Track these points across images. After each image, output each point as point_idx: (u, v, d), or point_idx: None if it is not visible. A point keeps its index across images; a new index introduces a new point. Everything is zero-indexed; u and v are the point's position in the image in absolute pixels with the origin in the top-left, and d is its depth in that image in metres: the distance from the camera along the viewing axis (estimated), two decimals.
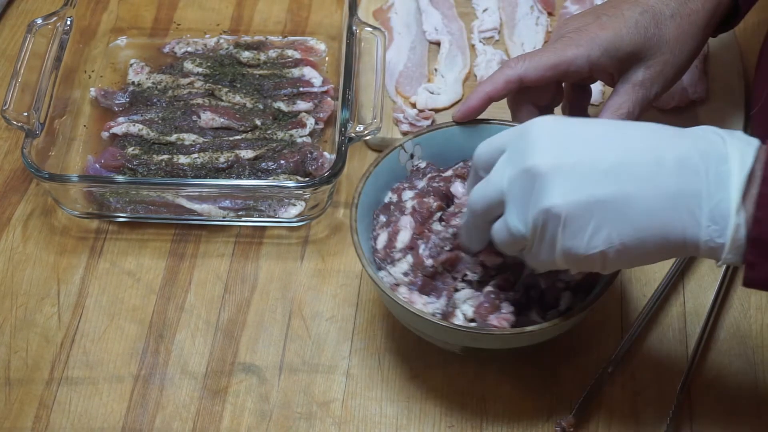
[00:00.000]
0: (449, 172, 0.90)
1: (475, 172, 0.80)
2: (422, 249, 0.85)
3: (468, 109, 0.90)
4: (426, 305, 0.84)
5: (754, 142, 0.71)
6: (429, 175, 0.91)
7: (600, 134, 0.73)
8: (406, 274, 0.86)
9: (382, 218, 0.89)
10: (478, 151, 0.79)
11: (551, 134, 0.73)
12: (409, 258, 0.86)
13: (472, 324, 0.83)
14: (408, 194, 0.90)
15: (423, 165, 0.92)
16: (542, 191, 0.71)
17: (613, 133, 0.73)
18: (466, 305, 0.84)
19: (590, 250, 0.72)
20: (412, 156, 0.92)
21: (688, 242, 0.70)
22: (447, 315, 0.84)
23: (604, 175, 0.71)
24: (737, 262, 0.71)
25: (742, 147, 0.70)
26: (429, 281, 0.85)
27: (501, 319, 0.82)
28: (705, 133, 0.72)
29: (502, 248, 0.78)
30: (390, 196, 0.91)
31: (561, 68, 0.88)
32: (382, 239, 0.88)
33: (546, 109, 0.93)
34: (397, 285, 0.86)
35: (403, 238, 0.87)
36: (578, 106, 0.95)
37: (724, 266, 0.95)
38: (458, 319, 0.84)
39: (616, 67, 0.89)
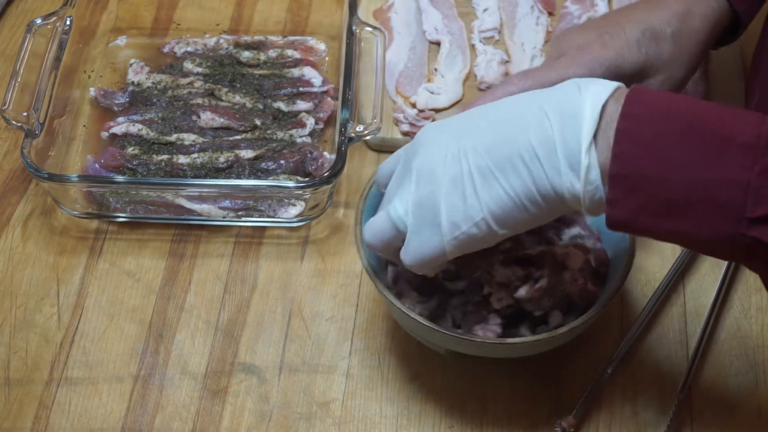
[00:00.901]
0: None
1: (379, 191, 0.83)
2: None
3: None
4: (416, 304, 0.84)
5: (611, 84, 0.71)
6: None
7: (466, 117, 0.76)
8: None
9: None
10: (379, 172, 0.83)
11: (428, 134, 0.76)
12: None
13: (458, 330, 0.83)
14: None
15: None
16: (422, 178, 0.74)
17: (478, 111, 0.76)
18: (457, 311, 0.84)
19: (472, 221, 0.73)
20: None
21: (557, 194, 0.71)
22: (436, 317, 0.84)
23: (470, 148, 0.73)
24: (599, 208, 0.70)
25: (597, 89, 0.70)
26: (426, 281, 0.85)
27: (486, 330, 0.82)
28: (564, 85, 0.73)
29: (375, 247, 0.80)
30: None
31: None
32: None
33: None
34: (398, 278, 0.86)
35: None
36: None
37: (725, 267, 0.95)
38: (447, 322, 0.84)
39: None
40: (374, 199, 0.88)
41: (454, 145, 0.74)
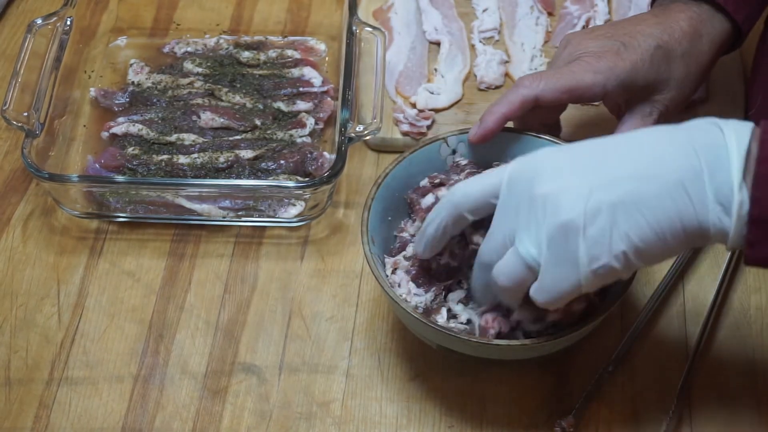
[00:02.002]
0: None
1: (457, 217, 0.80)
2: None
3: (485, 131, 0.90)
4: (412, 296, 0.85)
5: (748, 124, 0.72)
6: (467, 171, 0.90)
7: (596, 149, 0.75)
8: (408, 258, 0.86)
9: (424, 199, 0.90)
10: (465, 196, 0.79)
11: (550, 161, 0.75)
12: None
13: (450, 325, 0.84)
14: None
15: (464, 162, 0.91)
16: (555, 209, 0.72)
17: (608, 144, 0.75)
18: (458, 306, 0.84)
19: (613, 253, 0.72)
20: (454, 152, 0.92)
21: (702, 228, 0.71)
22: (431, 311, 0.84)
23: (610, 181, 0.72)
24: (742, 243, 0.71)
25: (737, 128, 0.71)
26: (424, 273, 0.85)
27: (497, 320, 0.82)
28: (700, 124, 0.73)
29: (509, 289, 0.77)
30: (425, 182, 0.91)
31: (576, 93, 0.89)
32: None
33: (553, 127, 0.94)
34: (396, 268, 0.86)
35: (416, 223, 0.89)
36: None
37: (724, 267, 0.95)
38: (441, 317, 0.84)
39: (625, 99, 0.91)
40: (381, 201, 0.88)
41: (585, 178, 0.73)
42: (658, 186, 0.71)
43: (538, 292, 0.75)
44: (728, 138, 0.71)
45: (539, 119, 0.92)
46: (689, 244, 0.73)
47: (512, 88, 0.89)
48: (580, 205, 0.72)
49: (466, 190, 0.79)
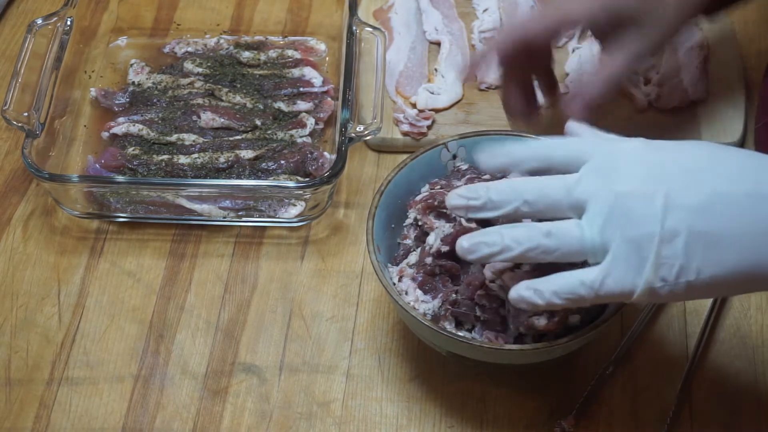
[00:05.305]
0: (487, 177, 0.90)
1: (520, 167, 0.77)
2: (428, 246, 0.86)
3: (475, 65, 0.90)
4: (419, 303, 0.85)
5: None
6: (468, 177, 0.89)
7: (693, 160, 0.72)
8: (412, 266, 0.87)
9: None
10: (547, 150, 0.76)
11: (643, 160, 0.72)
12: (418, 252, 0.87)
13: (460, 333, 0.83)
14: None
15: (464, 167, 0.91)
16: (637, 216, 0.69)
17: (707, 159, 0.72)
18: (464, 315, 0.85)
19: (678, 280, 0.69)
20: (454, 156, 0.92)
21: None
22: (439, 317, 0.84)
23: (699, 207, 0.69)
24: None
25: None
26: (429, 279, 0.85)
27: (500, 336, 0.82)
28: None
29: (552, 254, 0.73)
30: (426, 188, 0.90)
31: (566, 20, 0.90)
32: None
33: (546, 76, 0.95)
34: (402, 276, 0.86)
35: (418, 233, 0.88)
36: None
37: None
38: (450, 324, 0.84)
39: (612, 26, 0.89)
40: (384, 208, 0.88)
41: (670, 195, 0.69)
42: (748, 230, 0.68)
43: (598, 285, 0.72)
44: None
45: (530, 68, 0.92)
46: (757, 289, 0.71)
47: (499, 31, 0.89)
48: (662, 221, 0.69)
49: (547, 149, 0.76)
